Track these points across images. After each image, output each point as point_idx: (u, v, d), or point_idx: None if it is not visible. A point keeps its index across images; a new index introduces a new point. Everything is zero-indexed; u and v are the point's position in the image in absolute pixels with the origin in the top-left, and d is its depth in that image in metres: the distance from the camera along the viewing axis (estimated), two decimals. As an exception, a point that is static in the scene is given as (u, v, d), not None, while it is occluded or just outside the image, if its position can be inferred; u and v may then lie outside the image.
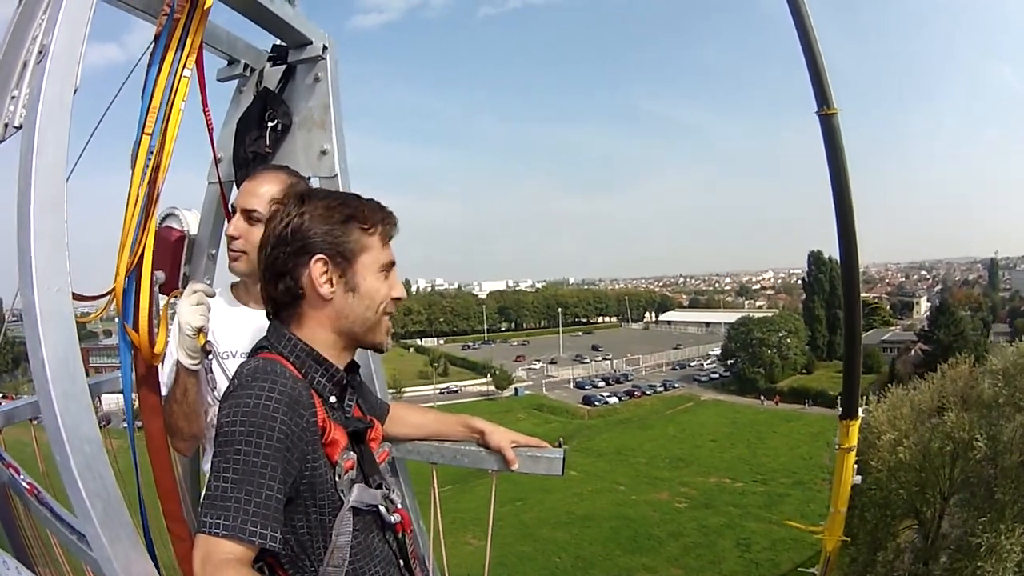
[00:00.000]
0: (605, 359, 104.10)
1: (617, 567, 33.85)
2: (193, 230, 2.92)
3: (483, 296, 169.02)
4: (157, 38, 2.27)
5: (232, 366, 2.34)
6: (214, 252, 3.05)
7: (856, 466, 17.68)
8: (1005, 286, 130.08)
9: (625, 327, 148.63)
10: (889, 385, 52.51)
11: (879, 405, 20.53)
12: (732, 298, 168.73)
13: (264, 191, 2.34)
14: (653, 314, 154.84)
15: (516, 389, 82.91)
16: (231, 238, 2.40)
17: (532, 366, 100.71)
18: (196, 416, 2.34)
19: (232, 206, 2.50)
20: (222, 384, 2.27)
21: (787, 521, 24.66)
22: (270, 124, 2.74)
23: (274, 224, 1.68)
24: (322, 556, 1.58)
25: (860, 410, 17.66)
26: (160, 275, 2.55)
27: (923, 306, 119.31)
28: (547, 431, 63.85)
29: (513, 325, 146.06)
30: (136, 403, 2.42)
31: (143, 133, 2.17)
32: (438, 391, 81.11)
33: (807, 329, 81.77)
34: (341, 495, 1.61)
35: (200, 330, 2.20)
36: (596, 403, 74.83)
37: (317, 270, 1.65)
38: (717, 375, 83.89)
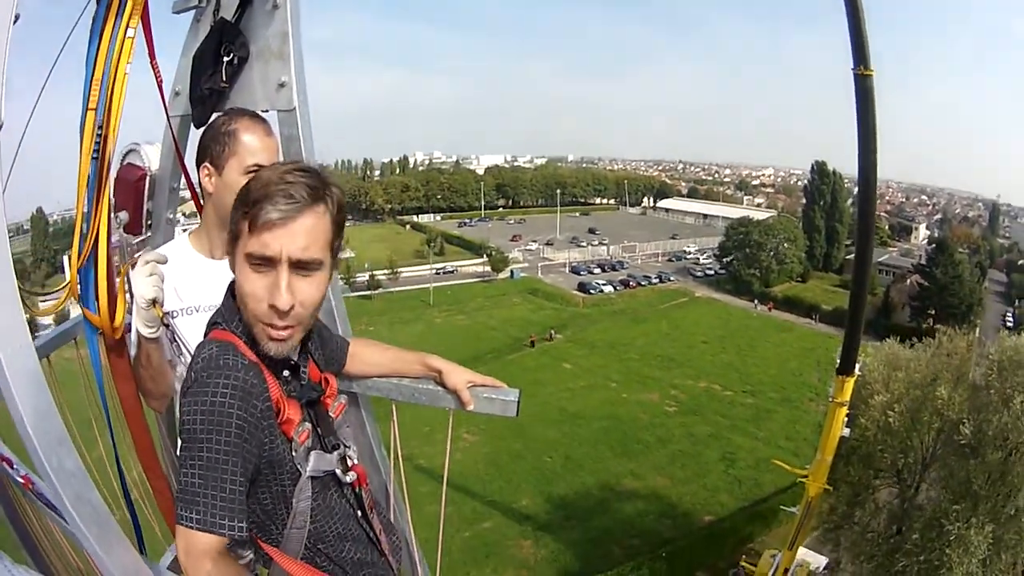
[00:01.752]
0: (602, 243, 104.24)
1: (606, 470, 34.75)
2: (155, 166, 2.91)
3: (481, 171, 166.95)
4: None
5: (197, 322, 2.28)
6: (175, 186, 3.00)
7: (846, 418, 18.14)
8: (1005, 234, 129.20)
9: (623, 211, 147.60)
10: (883, 321, 53.19)
11: (875, 357, 20.77)
12: (731, 191, 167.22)
13: (273, 143, 2.43)
14: (651, 200, 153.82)
15: (512, 272, 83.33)
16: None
17: (529, 247, 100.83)
18: (163, 377, 2.39)
19: (256, 164, 2.34)
20: (189, 339, 2.30)
21: (775, 460, 25.24)
22: (226, 59, 2.58)
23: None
24: (286, 520, 1.71)
25: (857, 367, 17.89)
26: (124, 215, 2.61)
27: (922, 232, 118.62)
28: (542, 318, 65.75)
29: (511, 203, 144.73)
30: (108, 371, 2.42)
31: (87, 109, 2.10)
32: (434, 271, 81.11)
33: (805, 238, 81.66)
34: (299, 467, 1.70)
35: (154, 301, 2.16)
36: (591, 291, 75.38)
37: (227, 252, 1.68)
38: (712, 272, 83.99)
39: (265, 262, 1.57)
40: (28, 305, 2.07)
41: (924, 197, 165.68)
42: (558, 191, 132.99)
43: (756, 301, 69.70)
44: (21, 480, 2.35)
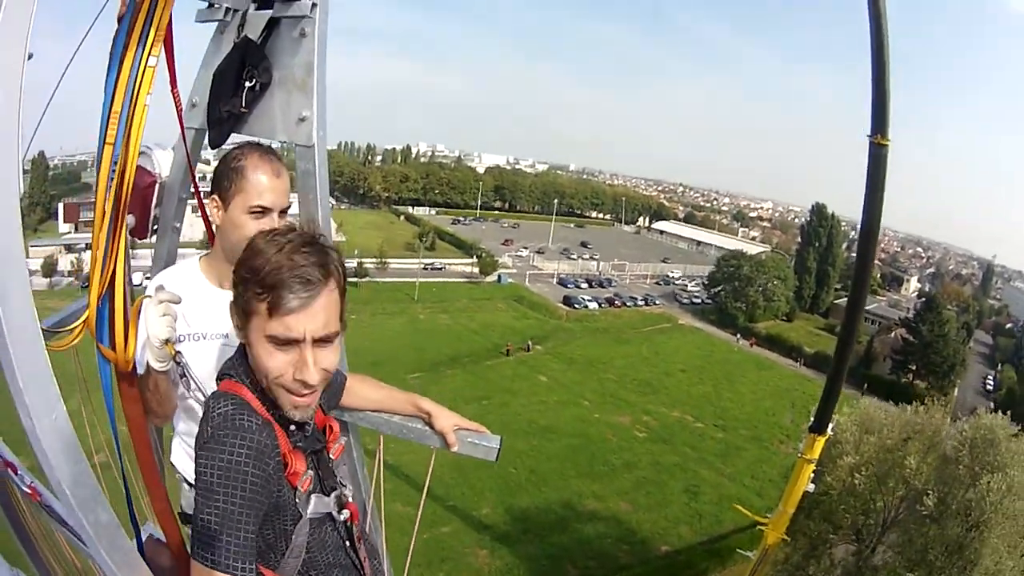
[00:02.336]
0: (592, 258, 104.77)
1: (569, 488, 34.70)
2: (165, 172, 2.91)
3: (482, 170, 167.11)
4: (120, 19, 2.14)
5: (203, 349, 2.44)
6: (184, 196, 2.99)
7: (812, 474, 18.16)
8: (996, 295, 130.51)
9: (617, 227, 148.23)
10: (864, 370, 53.24)
11: (849, 417, 20.84)
12: (728, 221, 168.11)
13: (285, 186, 2.41)
14: (647, 220, 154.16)
15: (500, 276, 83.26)
16: None
17: (519, 253, 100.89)
18: (168, 401, 2.41)
19: (259, 205, 2.38)
20: (194, 365, 2.32)
21: (736, 505, 25.36)
22: (247, 83, 2.54)
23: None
24: (284, 551, 1.83)
25: (830, 427, 17.89)
26: (130, 219, 2.56)
27: (912, 285, 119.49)
28: (524, 327, 65.65)
29: (507, 205, 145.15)
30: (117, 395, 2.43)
31: (104, 143, 2.08)
32: (423, 266, 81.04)
33: (795, 278, 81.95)
34: (300, 510, 1.82)
35: (167, 341, 2.17)
36: (576, 305, 75.30)
37: (231, 312, 1.72)
38: (699, 300, 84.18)
39: (288, 343, 1.63)
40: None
41: (919, 249, 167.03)
42: (556, 201, 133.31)
43: (739, 335, 69.87)
44: (28, 490, 2.42)
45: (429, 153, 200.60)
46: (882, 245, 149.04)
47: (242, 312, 1.67)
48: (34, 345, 1.56)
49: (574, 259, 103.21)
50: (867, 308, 75.38)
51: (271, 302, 1.59)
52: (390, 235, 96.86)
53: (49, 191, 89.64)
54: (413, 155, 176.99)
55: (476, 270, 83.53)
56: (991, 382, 65.98)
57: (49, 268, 63.66)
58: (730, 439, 43.42)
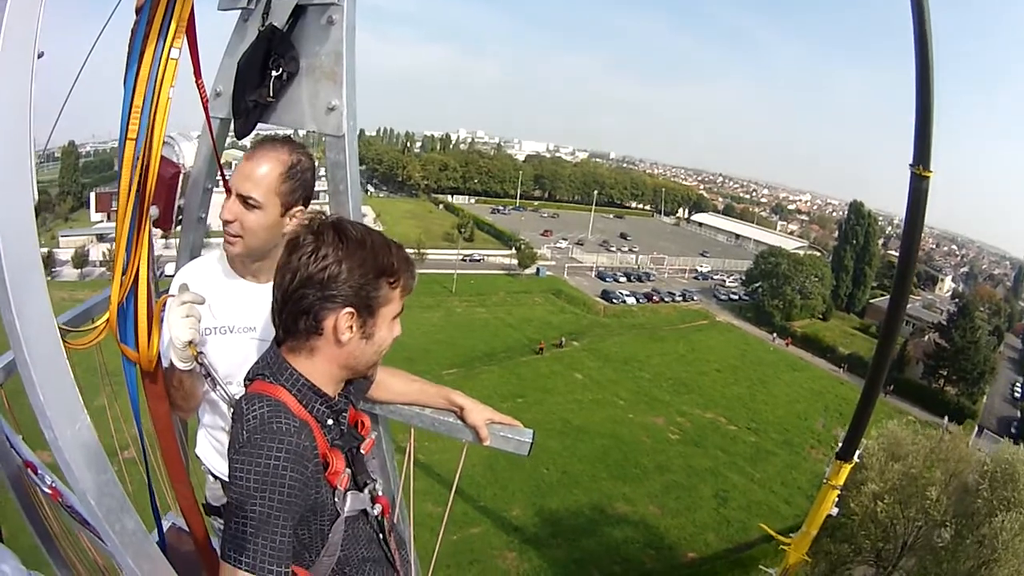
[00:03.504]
0: (631, 251, 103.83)
1: (600, 491, 34.63)
2: (189, 161, 2.90)
3: (522, 157, 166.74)
4: (139, 11, 2.12)
5: (228, 342, 2.43)
6: (210, 186, 2.97)
7: (836, 498, 18.26)
8: None
9: (657, 219, 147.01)
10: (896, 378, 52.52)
11: (876, 442, 20.94)
12: (767, 213, 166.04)
13: (261, 175, 2.29)
14: (687, 211, 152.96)
15: (538, 269, 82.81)
16: (225, 221, 2.35)
17: (559, 244, 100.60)
18: (193, 398, 2.44)
19: (226, 181, 2.43)
20: (218, 359, 2.38)
21: (761, 524, 25.51)
22: (274, 73, 2.49)
23: (304, 259, 1.72)
24: (319, 550, 1.85)
25: (857, 455, 17.85)
26: (154, 210, 2.50)
27: (947, 284, 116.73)
28: (561, 322, 65.21)
29: (547, 194, 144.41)
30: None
31: (127, 139, 2.05)
32: (461, 257, 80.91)
33: (832, 277, 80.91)
34: (339, 509, 1.85)
35: (190, 343, 2.19)
36: (614, 300, 74.91)
37: (344, 321, 1.75)
38: (737, 297, 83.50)
39: (400, 313, 1.86)
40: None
41: (954, 247, 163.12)
42: (595, 192, 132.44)
43: (775, 334, 69.18)
44: (48, 491, 2.44)
45: (469, 140, 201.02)
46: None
47: (373, 304, 1.77)
48: (54, 355, 1.55)
49: (613, 251, 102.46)
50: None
51: (404, 285, 1.82)
52: (428, 225, 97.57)
53: (80, 179, 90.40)
54: (453, 142, 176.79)
55: (515, 262, 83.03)
56: (1019, 388, 64.98)
57: (80, 259, 64.10)
58: (762, 443, 43.12)
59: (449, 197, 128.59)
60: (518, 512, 31.86)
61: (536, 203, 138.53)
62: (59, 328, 1.73)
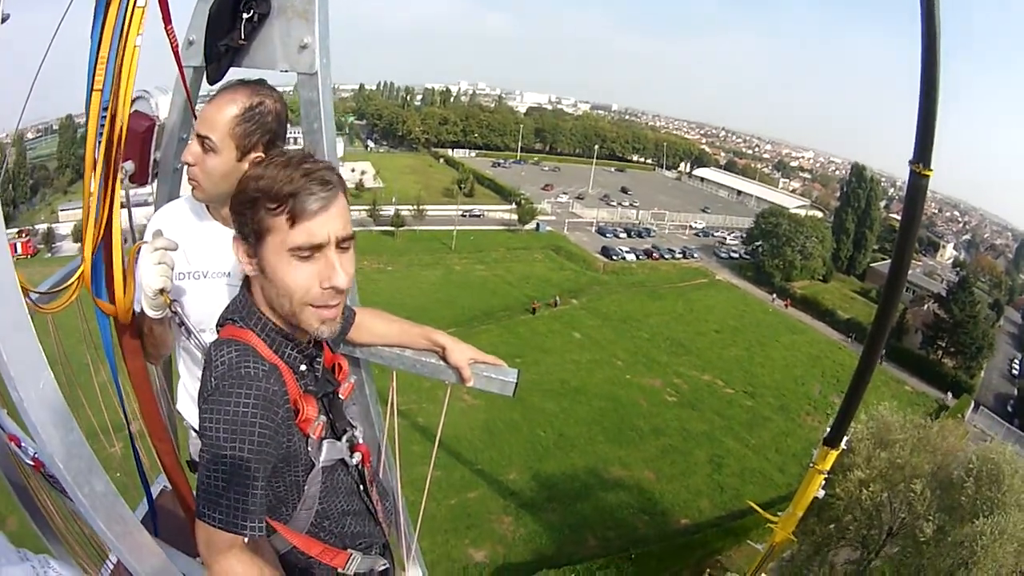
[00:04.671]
0: (632, 205, 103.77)
1: (596, 454, 34.92)
2: (164, 113, 2.81)
3: (523, 109, 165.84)
4: None
5: (202, 287, 2.39)
6: (185, 136, 2.86)
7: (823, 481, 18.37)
8: None
9: (658, 172, 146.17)
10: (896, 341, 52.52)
11: (865, 426, 21.03)
12: (768, 170, 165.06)
13: (219, 117, 2.23)
14: (688, 166, 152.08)
15: (538, 224, 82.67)
16: (186, 164, 2.33)
17: (559, 199, 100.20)
18: (164, 345, 2.43)
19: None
20: (191, 305, 2.35)
21: (749, 501, 25.66)
22: (245, 16, 2.42)
23: None
24: (296, 504, 1.81)
25: (844, 441, 17.69)
26: (129, 165, 2.49)
27: (948, 251, 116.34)
28: (560, 279, 65.40)
29: (548, 148, 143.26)
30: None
31: (92, 90, 2.00)
32: (460, 213, 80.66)
33: (833, 240, 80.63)
34: (313, 459, 1.80)
35: (162, 291, 2.14)
36: (614, 257, 74.82)
37: (236, 246, 1.72)
38: (737, 255, 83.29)
39: (312, 250, 1.62)
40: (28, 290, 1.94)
41: (956, 213, 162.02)
42: (597, 145, 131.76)
43: (775, 295, 69.08)
44: (31, 463, 2.44)
45: (470, 92, 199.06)
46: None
47: (254, 235, 1.65)
48: (15, 312, 1.48)
49: (614, 206, 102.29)
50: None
51: (292, 210, 1.59)
52: (428, 180, 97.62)
53: (79, 152, 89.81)
54: (454, 94, 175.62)
55: (515, 217, 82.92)
56: (1017, 365, 64.84)
57: (80, 232, 64.22)
58: (758, 408, 43.16)
59: (450, 151, 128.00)
60: (515, 476, 32.15)
61: (537, 156, 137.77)
62: (31, 293, 1.80)
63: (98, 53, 1.96)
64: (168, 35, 2.32)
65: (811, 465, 18.06)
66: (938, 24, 12.67)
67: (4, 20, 1.40)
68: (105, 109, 1.99)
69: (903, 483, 19.30)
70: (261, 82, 2.36)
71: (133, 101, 2.43)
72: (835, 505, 20.10)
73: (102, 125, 2.00)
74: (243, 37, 2.43)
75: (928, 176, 13.97)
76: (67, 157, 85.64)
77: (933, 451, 20.11)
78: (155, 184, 2.90)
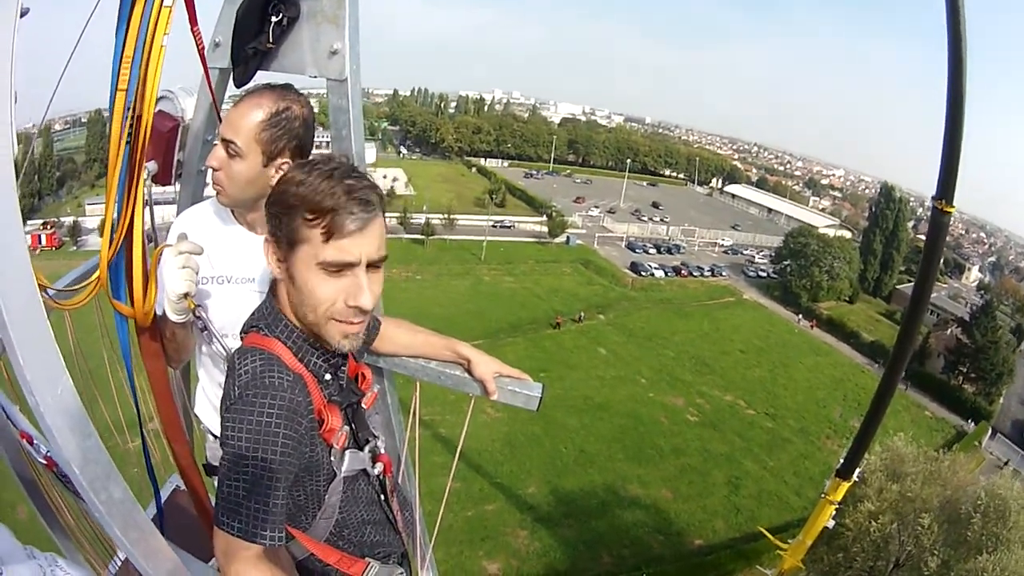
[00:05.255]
0: (663, 221, 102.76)
1: (615, 471, 34.95)
2: (189, 114, 2.81)
3: (557, 119, 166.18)
4: None
5: (226, 292, 2.37)
6: (209, 138, 2.84)
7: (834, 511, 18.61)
8: None
9: (690, 188, 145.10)
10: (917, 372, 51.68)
11: (879, 457, 21.13)
12: (799, 187, 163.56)
13: (245, 122, 2.23)
14: (720, 182, 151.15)
15: (568, 238, 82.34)
16: (211, 168, 2.31)
17: (591, 212, 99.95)
18: (185, 350, 2.41)
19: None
20: (214, 309, 2.33)
21: (760, 527, 25.88)
22: (274, 19, 2.40)
23: None
24: (316, 512, 1.80)
25: (856, 474, 18.06)
26: (152, 165, 2.46)
27: (974, 273, 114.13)
28: (588, 293, 65.18)
29: (580, 160, 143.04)
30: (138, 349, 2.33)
31: (117, 89, 1.95)
32: (491, 223, 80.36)
33: (860, 261, 79.85)
34: (335, 469, 1.78)
35: (186, 295, 2.12)
36: (642, 273, 74.41)
37: (267, 248, 1.71)
38: (766, 274, 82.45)
39: (343, 267, 1.61)
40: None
41: (982, 234, 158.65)
42: (629, 159, 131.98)
43: (800, 316, 68.68)
44: (44, 461, 2.40)
45: (505, 100, 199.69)
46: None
47: (286, 241, 1.64)
48: (34, 315, 1.42)
49: (644, 221, 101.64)
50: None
51: (329, 225, 1.58)
52: (461, 189, 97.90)
53: (106, 147, 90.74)
54: (488, 103, 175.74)
55: (545, 229, 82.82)
56: None
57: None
58: (778, 430, 42.97)
59: (482, 160, 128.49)
60: (534, 490, 32.32)
61: (569, 168, 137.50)
62: (49, 289, 1.81)
63: (123, 52, 1.95)
64: (194, 36, 2.33)
65: (823, 495, 18.43)
66: (965, 67, 12.80)
67: (23, 15, 1.36)
68: (130, 109, 1.97)
69: (912, 516, 19.45)
70: (288, 86, 2.38)
71: (158, 101, 2.43)
72: (844, 535, 20.26)
73: (127, 125, 1.98)
74: (271, 41, 2.45)
75: (950, 213, 14.05)
76: (95, 151, 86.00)
77: (943, 484, 20.18)
78: (178, 185, 2.92)
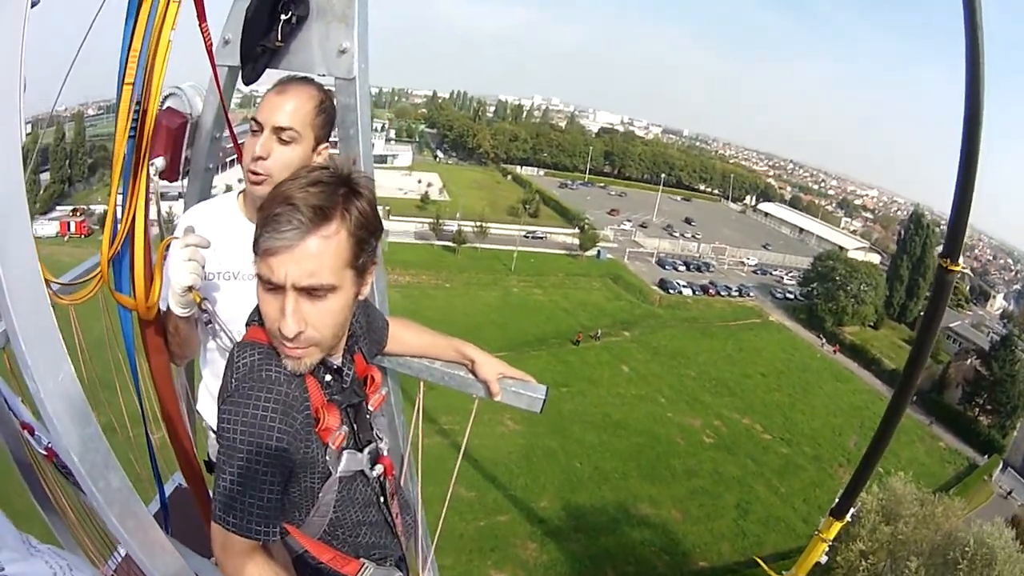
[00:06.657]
0: (695, 237, 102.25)
1: (628, 489, 35.56)
2: (197, 111, 2.79)
3: (595, 127, 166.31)
4: None
5: (232, 288, 2.37)
6: (218, 135, 2.86)
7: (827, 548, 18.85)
8: None
9: (723, 204, 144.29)
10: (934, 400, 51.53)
11: (875, 497, 21.61)
12: (832, 207, 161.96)
13: (296, 107, 2.25)
14: (754, 199, 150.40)
15: (599, 251, 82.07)
16: (257, 158, 2.25)
17: (623, 226, 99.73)
18: (189, 345, 2.37)
19: (254, 119, 2.30)
20: (221, 304, 2.30)
21: (757, 557, 26.48)
22: (283, 17, 2.41)
23: None
24: (309, 509, 1.78)
25: (850, 514, 18.07)
26: (160, 162, 2.47)
27: (998, 301, 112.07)
28: (615, 308, 65.42)
29: (616, 172, 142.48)
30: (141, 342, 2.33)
31: (123, 83, 1.93)
32: (523, 234, 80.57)
33: (886, 286, 79.25)
34: (330, 468, 1.75)
35: (191, 288, 2.09)
36: (671, 290, 74.18)
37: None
38: (793, 296, 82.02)
39: (273, 286, 1.54)
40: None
41: (1010, 260, 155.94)
42: (663, 174, 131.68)
43: (824, 340, 68.43)
44: (44, 452, 2.33)
45: (543, 107, 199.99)
46: (975, 251, 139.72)
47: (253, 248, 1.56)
48: (37, 302, 1.35)
49: (676, 237, 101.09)
50: (950, 325, 72.02)
51: (258, 238, 1.52)
52: (495, 196, 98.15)
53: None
54: (527, 108, 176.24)
55: (576, 242, 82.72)
56: None
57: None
58: (792, 456, 43.08)
59: (518, 168, 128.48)
60: (546, 504, 32.96)
61: (604, 180, 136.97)
62: (53, 283, 1.81)
63: (130, 46, 1.93)
64: (202, 33, 2.34)
65: (815, 533, 18.83)
66: (980, 121, 12.05)
67: (34, 5, 1.32)
68: (137, 103, 1.95)
69: (902, 559, 19.96)
70: (310, 79, 2.39)
71: (167, 98, 2.64)
72: (836, 571, 20.84)
73: (133, 119, 1.97)
74: (280, 39, 2.44)
75: (955, 272, 13.43)
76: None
77: (935, 528, 20.67)
78: (185, 181, 2.90)
